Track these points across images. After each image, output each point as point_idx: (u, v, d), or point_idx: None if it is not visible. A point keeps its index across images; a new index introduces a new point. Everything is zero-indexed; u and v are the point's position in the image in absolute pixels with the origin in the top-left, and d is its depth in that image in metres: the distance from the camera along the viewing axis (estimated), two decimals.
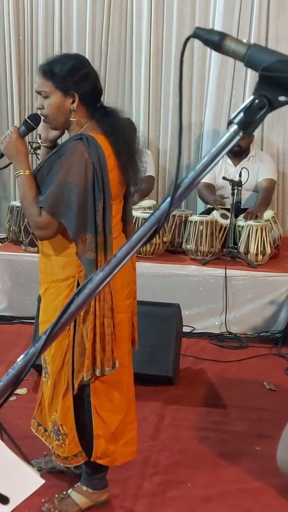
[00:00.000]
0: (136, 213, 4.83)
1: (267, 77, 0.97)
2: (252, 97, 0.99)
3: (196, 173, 1.00)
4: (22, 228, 5.22)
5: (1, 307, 5.18)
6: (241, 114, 0.99)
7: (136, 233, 1.01)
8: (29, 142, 5.32)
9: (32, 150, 5.18)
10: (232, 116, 1.01)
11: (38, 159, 3.57)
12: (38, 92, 2.61)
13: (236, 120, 1.00)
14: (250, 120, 0.99)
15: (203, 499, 2.99)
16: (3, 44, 6.21)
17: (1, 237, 5.72)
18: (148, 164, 5.59)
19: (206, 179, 5.51)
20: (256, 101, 0.98)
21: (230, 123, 1.03)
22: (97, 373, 2.63)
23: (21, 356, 1.05)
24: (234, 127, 1.00)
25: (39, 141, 2.86)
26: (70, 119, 2.58)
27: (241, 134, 1.01)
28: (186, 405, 3.87)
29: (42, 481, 1.38)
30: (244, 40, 1.01)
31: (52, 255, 2.65)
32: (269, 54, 1.00)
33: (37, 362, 3.24)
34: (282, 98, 0.98)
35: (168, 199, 1.00)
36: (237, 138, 1.01)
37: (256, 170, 5.53)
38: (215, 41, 1.02)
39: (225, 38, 1.02)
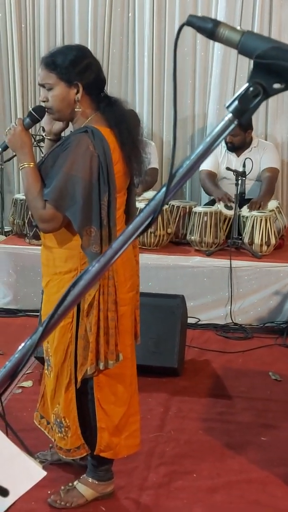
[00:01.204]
0: (140, 204, 4.80)
1: (261, 64, 0.96)
2: (246, 85, 0.98)
3: (191, 163, 0.99)
4: (26, 221, 5.23)
5: (6, 300, 5.19)
6: (236, 102, 0.98)
7: (131, 223, 1.01)
8: (32, 135, 5.33)
9: (35, 142, 5.18)
10: (227, 104, 1.00)
11: (42, 151, 3.57)
12: (42, 85, 2.59)
13: (230, 108, 0.99)
14: (245, 108, 0.97)
15: (209, 489, 3.00)
16: (5, 37, 6.19)
17: (6, 230, 5.73)
18: (152, 156, 5.57)
19: (208, 167, 5.50)
20: (251, 89, 0.97)
21: None
22: (101, 366, 2.63)
23: (18, 349, 1.05)
24: (228, 115, 0.99)
25: (43, 134, 2.85)
26: (75, 109, 2.57)
27: (235, 122, 0.99)
28: (191, 396, 3.87)
29: (44, 473, 1.38)
30: (238, 28, 1.00)
31: (54, 247, 2.65)
32: (262, 41, 0.98)
33: (39, 355, 3.24)
34: (276, 86, 0.97)
35: (164, 189, 0.99)
36: (232, 126, 1.00)
37: (259, 160, 5.51)
38: (208, 28, 1.01)
39: (219, 26, 1.00)
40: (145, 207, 1.01)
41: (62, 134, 2.82)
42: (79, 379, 2.67)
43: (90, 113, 2.59)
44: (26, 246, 5.18)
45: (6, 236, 5.59)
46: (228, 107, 1.00)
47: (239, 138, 5.46)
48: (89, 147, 2.48)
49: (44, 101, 2.61)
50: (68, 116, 2.62)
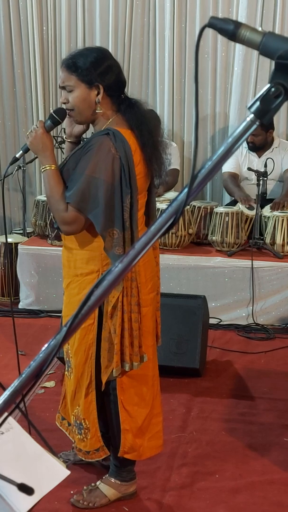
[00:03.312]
0: (161, 205, 4.83)
1: (283, 65, 0.96)
2: (268, 85, 0.98)
3: (213, 164, 1.00)
4: (48, 222, 5.25)
5: (29, 301, 5.22)
6: (257, 103, 0.98)
7: (154, 224, 1.01)
8: (54, 137, 5.35)
9: (57, 144, 5.21)
10: (248, 105, 1.00)
11: (63, 153, 3.58)
12: (62, 87, 2.60)
13: (252, 109, 0.99)
14: (266, 109, 0.97)
15: (232, 490, 2.99)
16: (26, 40, 6.23)
17: (28, 231, 5.76)
18: (173, 156, 5.57)
19: (230, 169, 5.50)
20: (272, 89, 0.97)
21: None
22: (126, 368, 2.64)
23: (42, 349, 1.06)
24: (250, 116, 0.99)
25: (64, 136, 2.86)
26: (96, 111, 2.58)
27: (257, 123, 1.00)
28: (213, 397, 3.86)
29: (68, 472, 1.40)
30: (260, 29, 1.00)
31: (75, 249, 2.66)
32: (284, 41, 0.98)
33: (61, 355, 3.26)
34: None
35: (186, 190, 1.00)
36: (254, 127, 1.00)
37: (281, 160, 5.49)
38: (230, 30, 1.01)
39: (240, 27, 1.01)
40: (167, 208, 1.02)
41: (83, 136, 2.83)
42: (103, 381, 2.68)
43: (110, 114, 2.60)
44: (48, 247, 5.20)
45: (28, 237, 5.62)
46: (249, 107, 1.00)
47: (261, 138, 5.45)
48: (111, 149, 2.48)
49: (64, 103, 2.62)
50: (89, 118, 2.63)
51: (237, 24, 1.01)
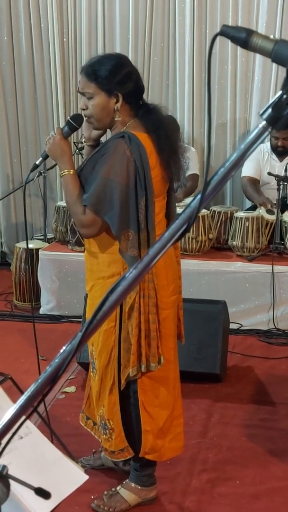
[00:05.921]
0: (180, 210, 4.82)
1: None
2: (280, 92, 0.99)
3: (226, 170, 1.00)
4: (69, 228, 5.28)
5: (50, 307, 5.24)
6: (269, 110, 0.99)
7: (167, 230, 1.02)
8: (74, 143, 5.38)
9: (77, 150, 5.24)
10: (261, 111, 1.01)
11: (83, 158, 3.61)
12: (82, 93, 2.64)
13: (264, 116, 1.00)
14: (278, 115, 0.98)
15: (252, 496, 2.99)
16: (47, 46, 6.27)
17: (49, 237, 5.79)
18: (192, 161, 5.58)
19: (250, 174, 5.49)
20: (284, 96, 0.98)
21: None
22: (143, 368, 2.65)
23: (58, 354, 1.07)
24: (262, 123, 1.00)
25: (83, 141, 2.89)
26: (115, 119, 2.61)
27: (270, 130, 1.00)
28: (234, 403, 3.85)
29: (86, 477, 1.41)
30: (271, 36, 1.01)
31: (98, 252, 2.69)
32: None
33: (83, 360, 3.25)
34: None
35: (199, 197, 1.01)
36: (266, 134, 1.01)
37: None
38: (242, 38, 1.02)
39: (252, 35, 1.02)
40: (180, 214, 1.03)
41: (102, 139, 2.85)
42: (123, 381, 2.70)
43: (128, 120, 2.63)
44: (68, 252, 5.23)
45: (49, 243, 5.65)
46: (262, 114, 1.00)
47: None
48: (125, 152, 2.51)
49: (83, 109, 2.65)
50: (108, 125, 2.66)
51: (249, 32, 1.02)
